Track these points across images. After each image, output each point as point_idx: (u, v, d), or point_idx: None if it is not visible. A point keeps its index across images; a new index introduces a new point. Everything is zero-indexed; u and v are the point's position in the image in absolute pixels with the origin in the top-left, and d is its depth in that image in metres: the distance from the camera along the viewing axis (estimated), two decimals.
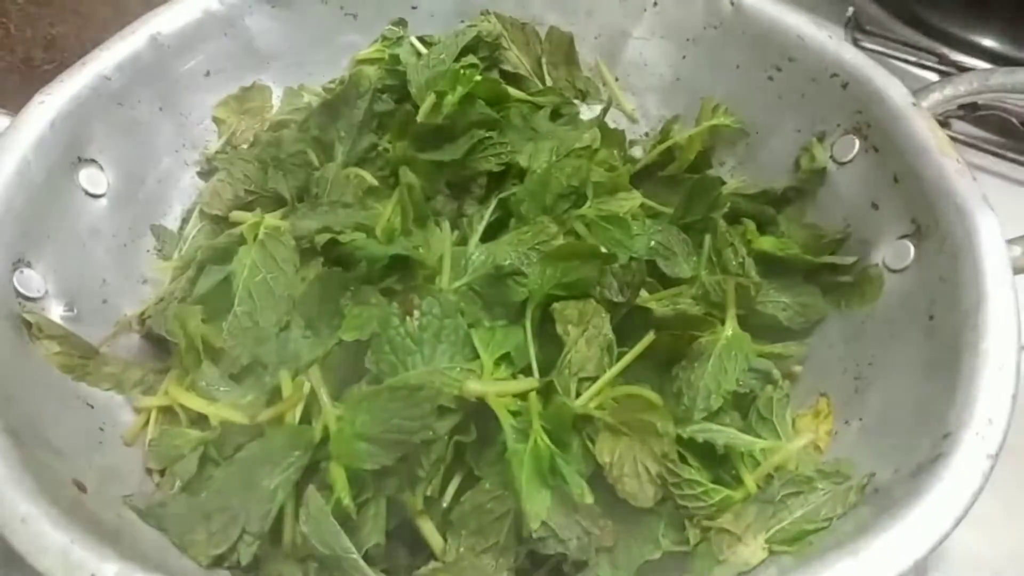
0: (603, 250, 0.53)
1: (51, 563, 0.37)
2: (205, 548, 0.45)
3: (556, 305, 0.51)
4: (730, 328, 0.52)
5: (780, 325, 0.56)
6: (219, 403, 0.52)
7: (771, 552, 0.45)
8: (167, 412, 0.54)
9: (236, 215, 0.59)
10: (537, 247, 0.54)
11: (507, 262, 0.53)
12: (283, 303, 0.54)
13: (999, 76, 0.58)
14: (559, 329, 0.51)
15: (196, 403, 0.52)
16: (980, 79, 0.58)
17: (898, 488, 0.43)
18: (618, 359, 0.50)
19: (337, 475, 0.46)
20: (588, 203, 0.58)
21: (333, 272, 0.53)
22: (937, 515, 0.39)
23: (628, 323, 0.52)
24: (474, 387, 0.46)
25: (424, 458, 0.46)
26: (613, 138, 0.66)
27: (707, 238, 0.57)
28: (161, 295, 0.58)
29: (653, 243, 0.57)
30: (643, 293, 0.54)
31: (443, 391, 0.46)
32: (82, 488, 0.45)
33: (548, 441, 0.45)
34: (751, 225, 0.59)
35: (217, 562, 0.46)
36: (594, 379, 0.49)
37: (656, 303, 0.53)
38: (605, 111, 0.66)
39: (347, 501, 0.45)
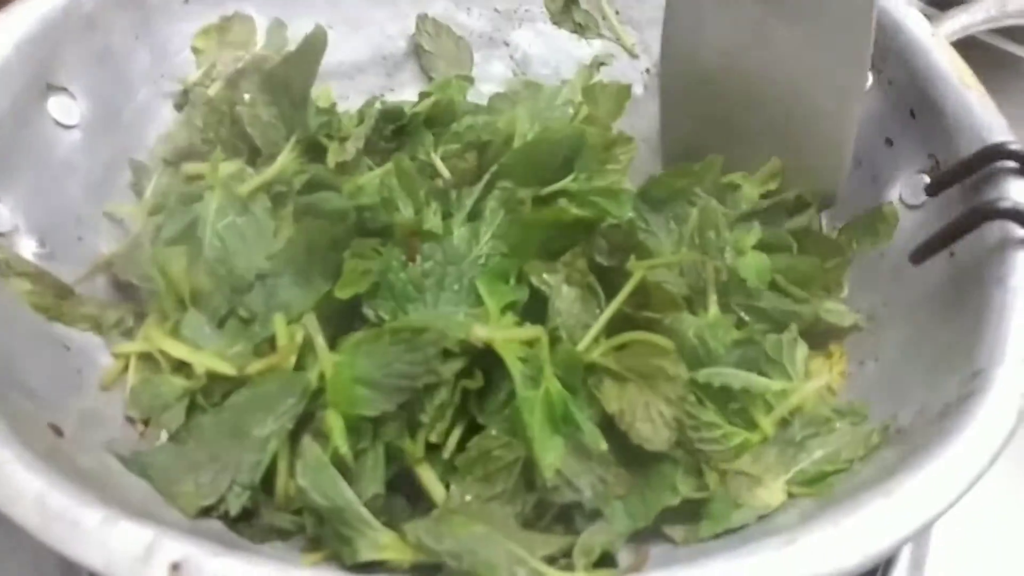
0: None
1: (26, 510, 0.34)
2: (193, 499, 0.43)
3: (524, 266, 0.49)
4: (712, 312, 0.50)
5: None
6: (205, 351, 0.49)
7: (791, 495, 0.43)
8: (147, 357, 0.50)
9: (188, 167, 0.56)
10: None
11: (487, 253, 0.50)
12: (257, 247, 0.51)
13: (1017, 2, 0.56)
14: (535, 281, 0.48)
15: (180, 351, 0.49)
16: (997, 6, 0.56)
17: (925, 429, 0.41)
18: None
19: (334, 423, 0.43)
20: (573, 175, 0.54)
21: (318, 224, 0.50)
22: (972, 454, 0.37)
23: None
24: (482, 332, 0.44)
25: (428, 403, 0.44)
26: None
27: (693, 212, 0.54)
28: (130, 239, 0.54)
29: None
30: None
31: (448, 334, 0.44)
32: (59, 432, 0.42)
33: (560, 387, 0.44)
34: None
35: (205, 512, 0.43)
36: (587, 326, 0.47)
37: (645, 269, 0.48)
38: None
39: (344, 450, 0.42)
